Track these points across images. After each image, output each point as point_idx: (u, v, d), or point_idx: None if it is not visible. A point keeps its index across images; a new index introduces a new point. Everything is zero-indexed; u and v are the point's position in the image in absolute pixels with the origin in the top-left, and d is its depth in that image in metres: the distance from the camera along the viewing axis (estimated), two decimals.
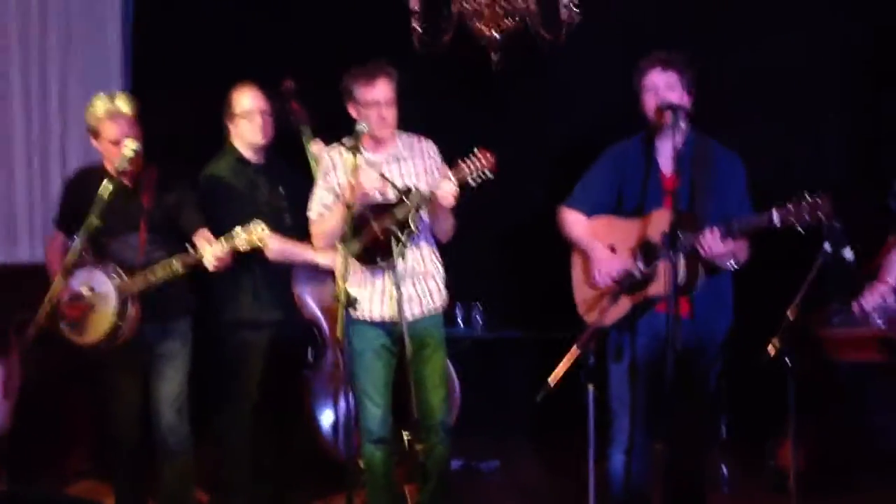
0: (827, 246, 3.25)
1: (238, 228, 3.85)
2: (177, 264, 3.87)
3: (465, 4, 4.48)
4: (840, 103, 5.32)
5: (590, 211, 3.94)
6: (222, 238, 3.81)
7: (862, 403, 4.59)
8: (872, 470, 4.62)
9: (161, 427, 4.06)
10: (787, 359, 3.21)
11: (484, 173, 3.65)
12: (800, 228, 3.34)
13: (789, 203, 3.38)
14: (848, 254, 3.26)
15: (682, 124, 3.70)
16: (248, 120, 4.26)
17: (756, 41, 5.41)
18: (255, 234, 3.82)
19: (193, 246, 3.90)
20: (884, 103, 4.87)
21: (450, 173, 3.70)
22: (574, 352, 3.36)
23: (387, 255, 3.76)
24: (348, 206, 3.69)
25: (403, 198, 3.77)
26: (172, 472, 4.10)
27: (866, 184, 4.92)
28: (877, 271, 3.54)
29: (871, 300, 3.42)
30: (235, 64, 5.32)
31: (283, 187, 4.34)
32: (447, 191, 3.68)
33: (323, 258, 4.21)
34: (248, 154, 4.34)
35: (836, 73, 5.32)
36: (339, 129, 3.95)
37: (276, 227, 4.17)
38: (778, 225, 3.41)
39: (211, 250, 3.80)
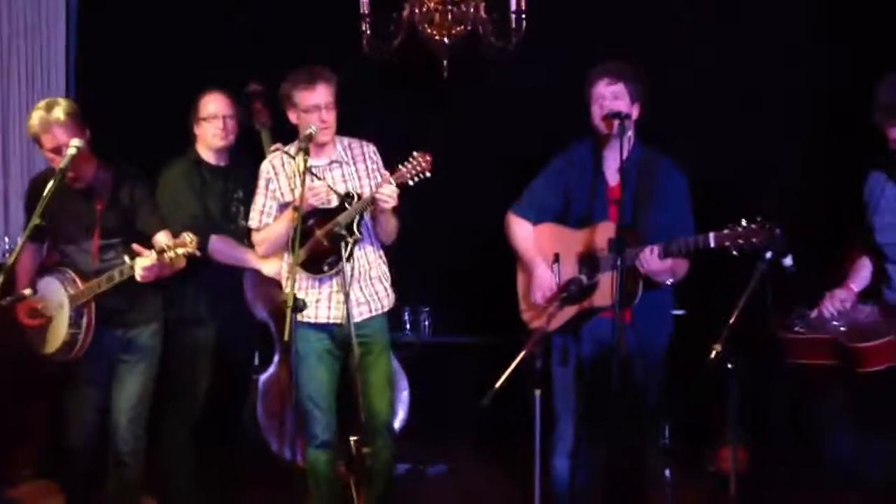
0: (769, 254, 3.32)
1: (165, 240, 3.75)
2: (116, 275, 3.80)
3: (415, 10, 4.49)
4: (794, 112, 5.43)
5: (536, 217, 3.98)
6: (152, 251, 3.74)
7: (801, 407, 4.69)
8: (811, 473, 4.72)
9: (114, 435, 3.99)
10: (728, 363, 3.27)
11: (422, 174, 3.69)
12: (734, 252, 3.41)
13: (727, 227, 3.46)
14: (788, 261, 3.33)
15: (629, 134, 3.75)
16: (210, 123, 4.28)
17: (705, 51, 5.49)
18: (182, 248, 3.68)
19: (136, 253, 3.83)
20: (837, 112, 4.96)
21: (389, 176, 3.73)
22: (520, 356, 3.38)
23: (333, 262, 3.76)
24: (296, 209, 3.68)
25: (346, 203, 3.78)
26: (118, 482, 4.02)
27: (818, 193, 5.04)
28: (842, 279, 3.61)
29: (831, 306, 3.50)
30: (187, 65, 5.29)
31: (243, 190, 4.32)
32: (388, 194, 3.70)
33: (268, 267, 4.20)
34: (209, 157, 4.34)
35: (790, 81, 5.43)
36: (284, 132, 3.96)
37: (229, 229, 4.16)
38: (713, 246, 3.49)
39: (140, 262, 3.72)
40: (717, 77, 5.46)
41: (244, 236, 4.22)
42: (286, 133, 4.04)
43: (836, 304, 3.49)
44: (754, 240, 3.38)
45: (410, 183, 3.72)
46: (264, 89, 4.65)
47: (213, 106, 4.29)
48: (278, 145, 4.11)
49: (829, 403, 4.45)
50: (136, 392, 3.98)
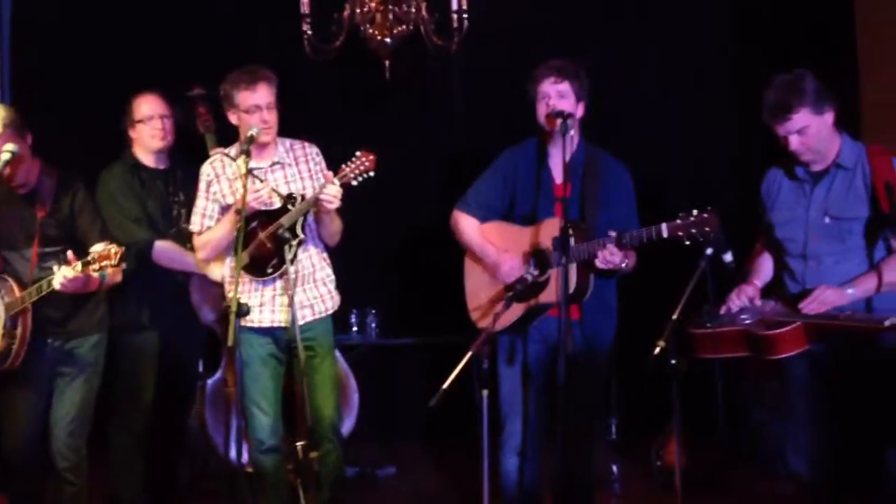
0: (709, 251, 3.37)
1: (94, 250, 3.66)
2: (45, 285, 3.72)
3: (356, 10, 4.47)
4: (723, 113, 5.52)
5: (482, 215, 3.98)
6: (79, 262, 3.65)
7: (739, 402, 4.77)
8: (752, 465, 4.81)
9: (53, 448, 3.91)
10: (671, 359, 3.31)
11: (366, 174, 3.68)
12: (687, 241, 3.44)
13: (678, 217, 3.49)
14: (728, 258, 3.40)
15: (573, 133, 3.77)
16: (147, 125, 4.23)
17: (645, 51, 5.56)
18: (105, 261, 3.58)
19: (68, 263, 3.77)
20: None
21: (333, 177, 3.71)
22: (467, 357, 3.38)
23: (276, 264, 3.73)
24: (238, 212, 3.64)
25: (289, 205, 3.75)
26: (58, 496, 3.94)
27: (744, 191, 5.13)
28: (747, 274, 3.69)
29: (738, 301, 3.57)
30: (125, 69, 5.20)
31: (183, 192, 4.28)
32: (332, 194, 3.68)
33: (211, 271, 4.16)
34: (147, 160, 4.29)
35: (718, 79, 5.52)
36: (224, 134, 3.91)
37: (171, 232, 4.12)
38: (666, 237, 3.52)
39: (63, 272, 3.64)
40: (655, 76, 5.53)
41: (187, 239, 4.17)
42: (231, 136, 3.99)
43: (742, 298, 3.57)
44: (706, 228, 3.41)
45: (354, 183, 3.70)
46: (208, 92, 4.60)
47: (147, 107, 4.24)
48: (219, 150, 4.07)
49: (763, 396, 4.55)
50: (75, 405, 3.90)
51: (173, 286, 4.28)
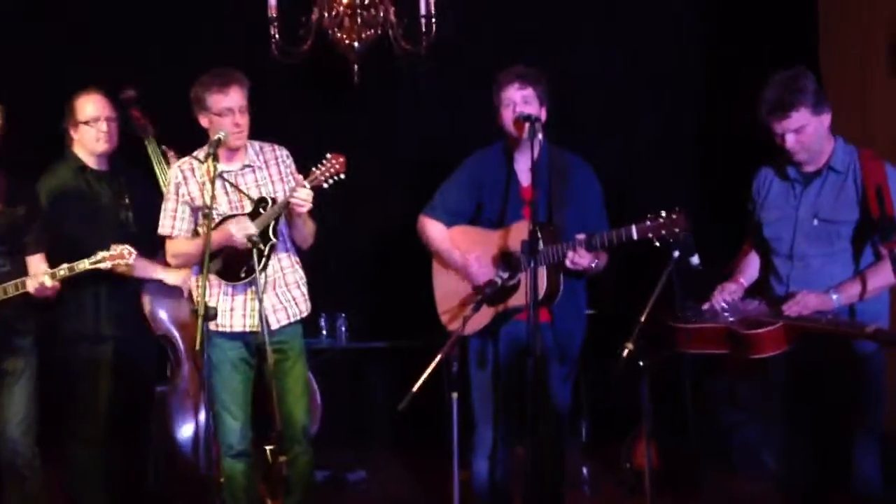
0: (676, 253, 3.38)
1: (102, 253, 3.75)
2: (10, 288, 3.72)
3: (324, 14, 4.46)
4: (689, 114, 5.56)
5: (449, 220, 3.98)
6: (64, 266, 3.69)
7: (709, 402, 4.80)
8: (723, 466, 4.84)
9: (7, 448, 3.87)
10: (639, 361, 3.33)
11: (336, 176, 3.67)
12: (657, 243, 3.46)
13: (647, 219, 3.51)
14: (695, 260, 3.40)
15: (539, 136, 3.78)
16: (93, 127, 4.14)
17: (609, 54, 5.60)
18: (124, 258, 3.74)
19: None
20: (727, 114, 5.10)
21: (303, 180, 3.70)
22: (436, 360, 3.38)
23: (250, 269, 3.72)
24: (206, 216, 3.62)
25: (260, 208, 3.74)
26: (17, 496, 3.91)
27: (710, 192, 5.19)
28: (733, 272, 3.70)
29: (721, 299, 3.58)
30: (77, 69, 5.13)
31: (129, 195, 4.23)
32: (303, 198, 3.67)
33: (172, 278, 4.15)
34: (89, 161, 4.21)
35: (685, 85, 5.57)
36: (191, 135, 3.88)
37: (120, 235, 4.02)
38: (636, 238, 3.53)
39: (38, 278, 3.65)
40: (623, 79, 5.57)
41: (136, 243, 4.09)
42: (171, 137, 3.95)
43: (726, 296, 3.58)
44: (675, 229, 3.43)
45: (325, 185, 3.70)
46: (139, 94, 4.54)
47: (93, 108, 4.14)
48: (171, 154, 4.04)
49: (734, 397, 4.58)
50: (24, 402, 3.88)
51: (129, 293, 4.24)
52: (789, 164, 3.55)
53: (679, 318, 3.51)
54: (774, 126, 3.44)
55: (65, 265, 3.76)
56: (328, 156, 3.70)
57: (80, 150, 4.19)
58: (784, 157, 3.53)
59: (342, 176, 3.68)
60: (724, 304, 3.55)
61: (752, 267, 3.69)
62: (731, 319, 3.49)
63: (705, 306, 3.57)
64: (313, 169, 3.71)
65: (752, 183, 3.70)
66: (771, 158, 3.63)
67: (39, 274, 3.75)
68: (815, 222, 3.49)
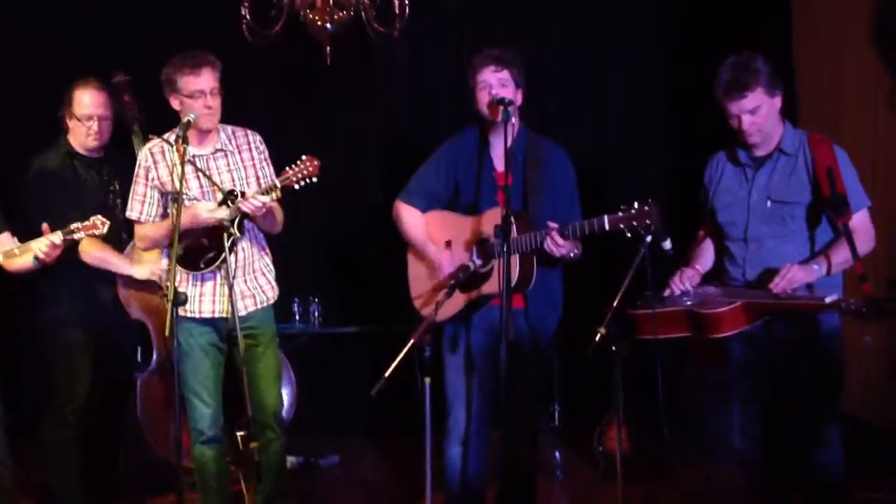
0: (648, 238, 3.39)
1: (75, 224, 3.75)
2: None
3: None
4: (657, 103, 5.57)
5: (424, 205, 3.96)
6: (59, 231, 3.68)
7: (680, 387, 4.83)
8: (694, 450, 4.87)
9: None
10: (612, 346, 3.33)
11: (309, 179, 3.63)
12: (628, 234, 3.46)
13: (620, 210, 3.50)
14: (667, 245, 3.42)
15: (514, 120, 3.76)
16: (84, 124, 4.13)
17: (584, 38, 5.59)
18: (97, 228, 3.74)
19: None
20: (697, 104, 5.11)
21: (276, 179, 3.67)
22: (408, 346, 3.37)
23: (210, 259, 3.71)
24: (175, 200, 3.58)
25: (228, 201, 3.69)
26: None
27: (682, 178, 5.19)
28: (689, 259, 3.73)
29: (680, 284, 3.62)
30: (56, 53, 5.08)
31: (118, 181, 4.20)
32: (256, 206, 3.64)
33: (140, 272, 4.14)
34: (80, 148, 4.21)
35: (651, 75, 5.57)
36: (161, 120, 3.83)
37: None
38: (607, 229, 3.53)
39: (41, 241, 3.65)
40: (594, 63, 5.57)
41: (123, 229, 4.11)
42: (160, 124, 3.90)
43: (684, 281, 3.62)
44: (647, 220, 3.43)
45: (296, 187, 3.64)
46: (130, 79, 4.49)
47: (89, 106, 4.13)
48: (154, 137, 3.99)
49: (704, 381, 4.61)
50: None
51: (106, 277, 4.21)
52: (741, 147, 3.59)
53: (639, 305, 3.53)
54: (730, 107, 3.48)
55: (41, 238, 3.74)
56: (303, 158, 3.64)
57: (74, 136, 4.20)
58: (737, 141, 3.57)
59: (314, 179, 3.63)
60: (682, 289, 3.57)
61: (707, 255, 3.74)
62: (689, 303, 3.53)
63: (665, 292, 3.61)
64: (286, 169, 3.66)
65: (704, 172, 3.74)
66: (722, 146, 3.66)
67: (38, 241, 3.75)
68: (768, 204, 3.54)
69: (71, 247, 4.00)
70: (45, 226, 3.72)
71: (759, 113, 3.47)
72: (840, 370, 3.58)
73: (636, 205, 3.47)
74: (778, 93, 3.51)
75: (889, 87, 4.63)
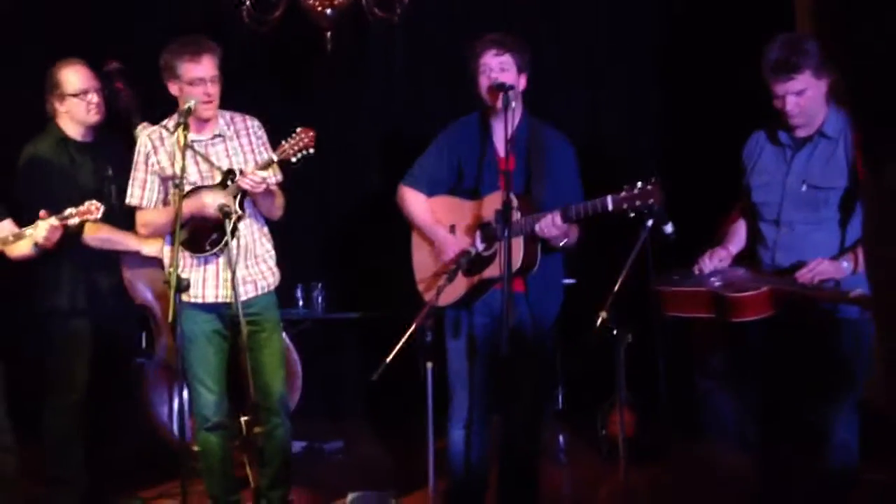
0: (650, 222, 3.38)
1: (69, 210, 3.74)
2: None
3: None
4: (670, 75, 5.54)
5: (428, 189, 3.95)
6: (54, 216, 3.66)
7: (683, 372, 4.83)
8: (696, 434, 4.87)
9: None
10: (613, 330, 3.33)
11: (306, 151, 3.63)
12: (631, 214, 3.45)
13: (623, 190, 3.49)
14: (669, 229, 3.40)
15: (514, 105, 3.74)
16: (83, 100, 4.11)
17: (585, 23, 5.56)
18: (91, 213, 3.74)
19: None
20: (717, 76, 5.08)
21: (273, 153, 3.67)
22: (410, 331, 3.38)
23: (215, 240, 3.69)
24: (177, 186, 3.59)
25: (228, 180, 3.70)
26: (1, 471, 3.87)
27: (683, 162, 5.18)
28: (722, 238, 3.69)
29: (710, 264, 3.58)
30: (52, 40, 5.06)
31: (112, 167, 4.19)
32: (256, 181, 3.64)
33: (148, 247, 4.13)
34: (74, 133, 4.18)
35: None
36: (161, 106, 3.82)
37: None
38: (611, 210, 3.52)
39: (42, 226, 3.63)
40: (600, 44, 5.54)
41: (118, 215, 4.09)
42: (153, 111, 3.90)
43: (714, 261, 3.57)
44: (650, 200, 3.41)
45: (293, 160, 3.64)
46: (123, 66, 4.47)
47: (80, 80, 4.11)
48: (146, 124, 3.99)
49: (707, 366, 4.60)
50: None
51: (107, 263, 4.21)
52: (782, 128, 3.52)
53: (665, 281, 3.50)
54: (776, 87, 3.40)
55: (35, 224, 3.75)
56: (298, 129, 3.65)
57: (66, 122, 4.16)
58: (778, 121, 3.50)
59: (311, 151, 3.63)
60: (711, 269, 3.54)
61: (739, 235, 3.67)
62: (717, 284, 3.50)
63: (694, 269, 3.57)
64: (282, 143, 3.67)
65: (743, 148, 3.67)
66: (763, 123, 3.59)
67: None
68: (804, 188, 3.47)
69: (71, 234, 4.01)
70: (42, 212, 3.72)
71: (805, 95, 3.38)
72: (862, 358, 3.47)
73: (639, 184, 3.45)
74: (825, 75, 3.40)
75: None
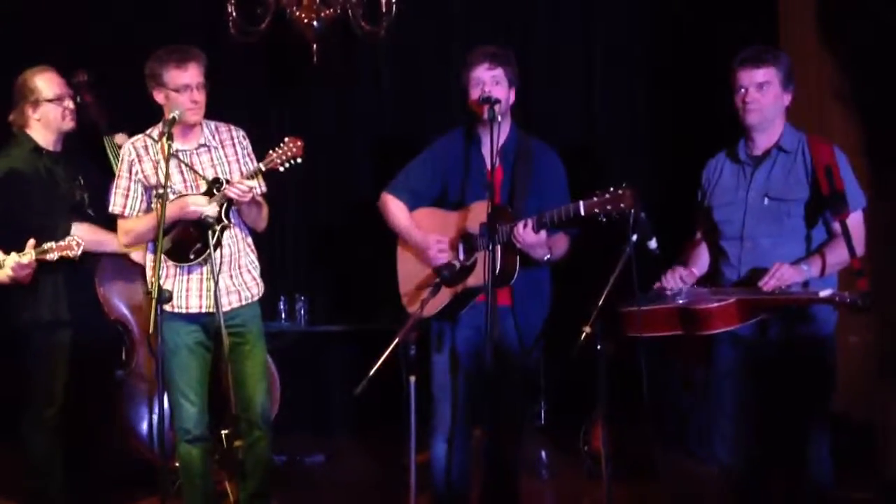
0: (634, 237, 3.38)
1: (48, 244, 3.76)
2: None
3: None
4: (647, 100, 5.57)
5: (411, 200, 3.95)
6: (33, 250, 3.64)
7: (665, 387, 4.84)
8: (679, 450, 4.88)
9: None
10: (597, 345, 3.32)
11: (293, 160, 3.64)
12: (603, 218, 3.46)
13: (594, 195, 3.50)
14: (653, 244, 3.40)
15: (500, 119, 3.74)
16: (58, 105, 4.09)
17: (576, 33, 5.58)
18: (71, 249, 3.76)
19: None
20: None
21: (260, 164, 3.67)
22: (393, 344, 3.36)
23: (199, 249, 3.67)
24: (160, 196, 3.57)
25: (214, 189, 3.68)
26: None
27: (673, 180, 5.20)
28: (686, 263, 3.71)
29: (672, 280, 3.60)
30: (28, 50, 5.02)
31: (83, 175, 4.18)
32: (242, 191, 3.64)
33: (136, 251, 4.07)
34: (45, 142, 4.14)
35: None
36: (144, 117, 3.81)
37: (78, 217, 4.01)
38: (583, 214, 3.52)
39: (12, 258, 3.63)
40: (583, 59, 5.56)
41: (93, 223, 4.07)
42: (121, 120, 3.88)
43: (676, 277, 3.60)
44: (622, 205, 3.41)
45: (281, 169, 3.65)
46: (91, 78, 4.45)
47: (56, 86, 4.09)
48: (122, 134, 3.98)
49: (689, 382, 4.62)
50: None
51: (86, 278, 4.19)
52: (743, 139, 3.57)
53: (629, 303, 3.51)
54: (741, 76, 3.47)
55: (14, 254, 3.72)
56: (285, 139, 3.65)
57: (38, 130, 4.12)
58: (736, 142, 3.56)
59: (299, 160, 3.64)
60: (675, 285, 3.56)
61: (703, 259, 3.72)
62: (681, 302, 3.52)
63: (655, 286, 3.59)
64: (270, 152, 3.67)
65: (702, 173, 3.72)
66: (721, 147, 3.65)
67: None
68: (766, 201, 3.52)
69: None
70: (31, 241, 3.69)
71: (766, 91, 3.46)
72: (832, 375, 3.55)
73: (611, 189, 3.46)
74: (791, 89, 3.50)
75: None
